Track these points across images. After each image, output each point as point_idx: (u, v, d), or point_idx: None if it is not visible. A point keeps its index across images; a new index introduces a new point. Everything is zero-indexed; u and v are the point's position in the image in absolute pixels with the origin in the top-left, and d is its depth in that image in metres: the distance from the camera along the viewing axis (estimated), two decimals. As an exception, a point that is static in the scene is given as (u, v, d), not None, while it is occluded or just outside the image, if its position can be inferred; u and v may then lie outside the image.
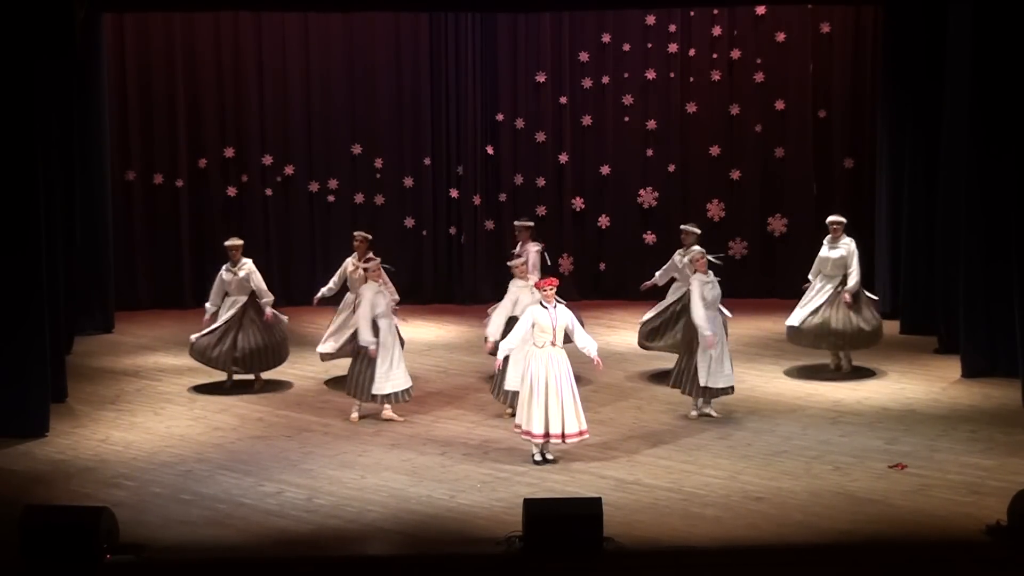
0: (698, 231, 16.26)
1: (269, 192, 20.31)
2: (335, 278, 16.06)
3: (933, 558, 10.69)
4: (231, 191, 20.25)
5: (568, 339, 13.24)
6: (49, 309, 14.07)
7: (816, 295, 16.10)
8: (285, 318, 16.00)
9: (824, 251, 16.14)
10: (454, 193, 20.49)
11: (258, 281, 15.80)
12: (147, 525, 11.36)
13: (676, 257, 16.09)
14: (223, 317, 15.61)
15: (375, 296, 14.53)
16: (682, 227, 16.36)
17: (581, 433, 13.02)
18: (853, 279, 15.93)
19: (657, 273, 16.32)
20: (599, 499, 10.95)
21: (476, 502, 12.02)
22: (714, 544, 11.03)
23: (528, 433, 13.00)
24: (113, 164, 19.19)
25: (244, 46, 20.07)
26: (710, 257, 14.80)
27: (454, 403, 15.19)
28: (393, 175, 20.47)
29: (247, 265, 15.83)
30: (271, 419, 14.67)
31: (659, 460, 13.16)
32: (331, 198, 20.41)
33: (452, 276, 20.63)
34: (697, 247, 15.44)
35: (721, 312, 14.62)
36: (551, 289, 13.14)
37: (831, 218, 16.31)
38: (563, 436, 12.95)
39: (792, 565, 10.69)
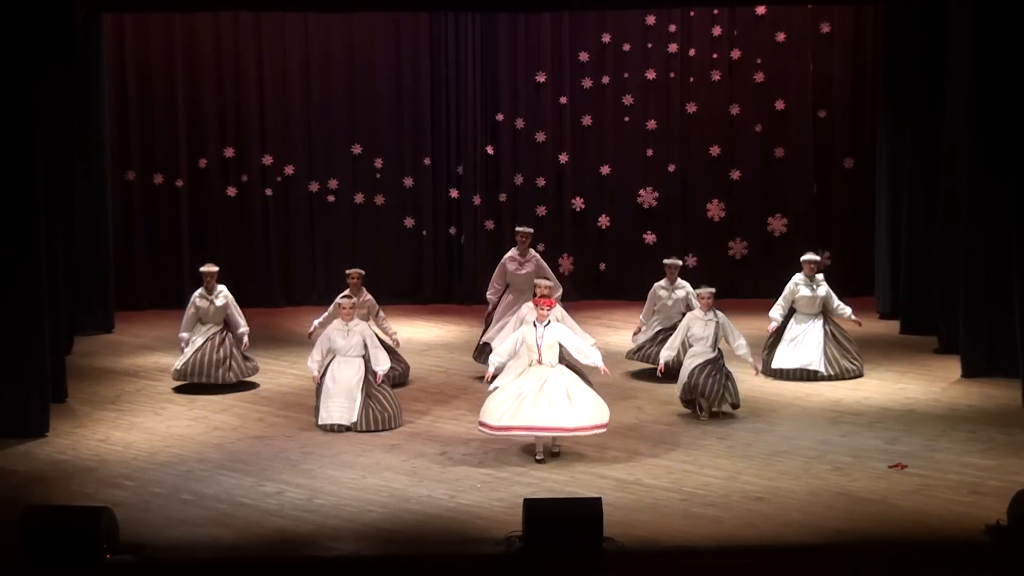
0: (680, 263, 16.48)
1: (269, 192, 20.32)
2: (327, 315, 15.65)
3: (933, 558, 10.69)
4: (231, 191, 20.26)
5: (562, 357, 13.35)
6: (49, 309, 14.06)
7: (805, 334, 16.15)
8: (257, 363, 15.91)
9: (807, 291, 16.16)
10: (454, 193, 20.50)
11: (236, 310, 15.74)
12: (147, 525, 11.36)
13: (660, 292, 16.24)
14: (197, 342, 15.55)
15: (334, 334, 14.52)
16: (665, 261, 16.42)
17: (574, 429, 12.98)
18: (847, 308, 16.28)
19: (642, 317, 16.41)
20: (599, 499, 10.95)
21: (476, 502, 12.02)
22: (714, 544, 11.03)
23: (484, 425, 13.06)
24: (113, 164, 19.20)
25: (244, 46, 20.08)
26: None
27: (454, 403, 15.20)
28: (393, 175, 20.48)
29: (223, 292, 15.76)
30: (271, 419, 14.67)
31: (659, 460, 13.16)
32: (331, 198, 20.42)
33: (452, 276, 20.64)
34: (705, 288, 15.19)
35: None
36: (547, 309, 13.29)
37: (812, 256, 16.32)
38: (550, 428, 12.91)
39: (792, 565, 10.69)
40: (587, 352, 13.36)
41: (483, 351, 15.66)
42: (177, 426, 14.40)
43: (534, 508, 10.80)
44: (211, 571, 10.69)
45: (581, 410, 12.91)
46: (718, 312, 14.81)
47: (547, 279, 15.11)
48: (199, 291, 15.78)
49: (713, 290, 14.97)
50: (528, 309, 14.30)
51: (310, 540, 11.17)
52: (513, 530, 10.91)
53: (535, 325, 13.21)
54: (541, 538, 10.63)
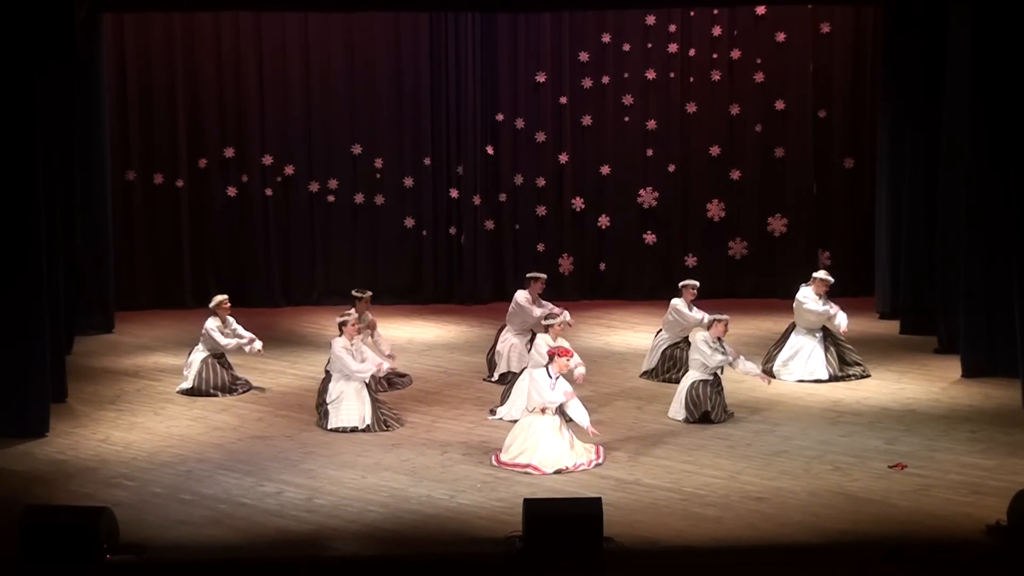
0: (698, 284, 16.43)
1: (269, 192, 20.31)
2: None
3: (933, 558, 10.69)
4: (231, 191, 20.25)
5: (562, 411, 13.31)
6: (49, 309, 14.06)
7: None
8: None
9: (817, 305, 16.14)
10: (454, 193, 20.49)
11: (243, 331, 15.80)
12: (147, 525, 11.36)
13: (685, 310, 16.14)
14: (195, 364, 15.52)
15: (342, 352, 14.42)
16: (686, 283, 16.36)
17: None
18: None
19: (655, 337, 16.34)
20: (599, 499, 10.96)
21: (476, 502, 12.02)
22: (714, 544, 11.04)
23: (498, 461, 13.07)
24: (113, 164, 19.19)
25: (244, 46, 20.07)
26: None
27: (454, 403, 15.19)
28: (393, 175, 20.47)
29: (233, 322, 15.83)
30: (271, 419, 14.67)
31: (659, 460, 13.17)
32: (331, 198, 20.41)
33: (452, 276, 20.62)
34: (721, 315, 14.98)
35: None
36: (566, 359, 13.20)
37: (828, 277, 16.33)
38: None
39: (792, 565, 10.70)
40: (580, 413, 13.16)
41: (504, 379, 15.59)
42: (177, 426, 14.40)
43: (534, 508, 10.80)
44: (211, 571, 10.69)
45: (582, 451, 13.09)
46: (727, 346, 14.64)
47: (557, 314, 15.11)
48: (216, 325, 15.63)
49: (727, 318, 14.80)
50: (544, 341, 14.22)
51: (310, 540, 11.17)
52: (513, 530, 10.91)
53: (549, 374, 13.20)
54: (541, 538, 10.62)
